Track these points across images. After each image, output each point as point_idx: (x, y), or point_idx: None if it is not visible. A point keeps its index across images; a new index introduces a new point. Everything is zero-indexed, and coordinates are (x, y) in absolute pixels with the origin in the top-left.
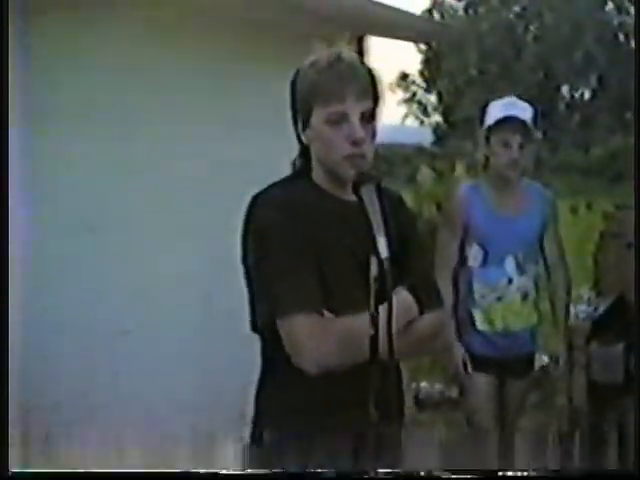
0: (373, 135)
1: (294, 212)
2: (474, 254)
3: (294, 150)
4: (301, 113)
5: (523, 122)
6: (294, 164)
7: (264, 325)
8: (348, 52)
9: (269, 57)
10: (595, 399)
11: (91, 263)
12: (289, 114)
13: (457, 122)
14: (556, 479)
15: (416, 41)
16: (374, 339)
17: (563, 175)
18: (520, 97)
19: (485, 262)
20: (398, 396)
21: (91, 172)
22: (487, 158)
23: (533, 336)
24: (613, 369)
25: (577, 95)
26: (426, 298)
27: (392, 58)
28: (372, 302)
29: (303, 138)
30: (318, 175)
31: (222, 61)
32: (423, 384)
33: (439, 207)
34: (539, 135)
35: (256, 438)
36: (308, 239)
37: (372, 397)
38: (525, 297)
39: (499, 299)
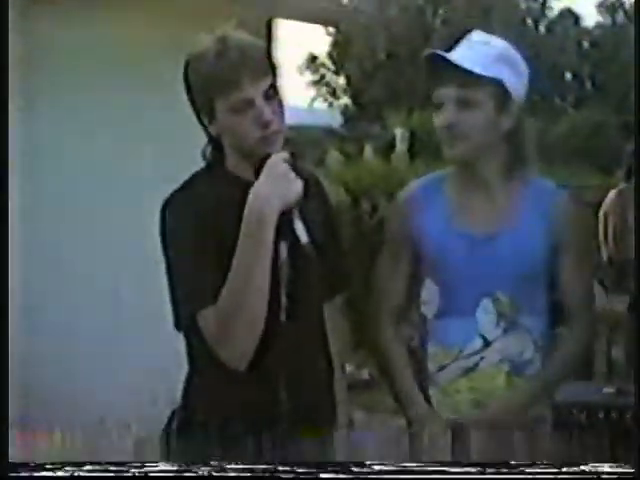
0: (281, 109)
1: (204, 209)
2: (426, 296)
3: None
4: (202, 107)
5: (456, 65)
6: (204, 154)
7: (182, 323)
8: (234, 34)
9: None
10: None
11: None
12: None
13: (366, 105)
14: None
15: (325, 24)
16: (278, 323)
17: (540, 163)
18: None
19: (444, 309)
20: (324, 383)
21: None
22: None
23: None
24: None
25: None
26: (339, 283)
27: (301, 40)
28: (283, 288)
29: (211, 130)
30: (232, 163)
31: None
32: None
33: (347, 190)
34: (516, 92)
35: (180, 431)
36: (220, 233)
37: (286, 392)
38: (515, 370)
39: (468, 372)
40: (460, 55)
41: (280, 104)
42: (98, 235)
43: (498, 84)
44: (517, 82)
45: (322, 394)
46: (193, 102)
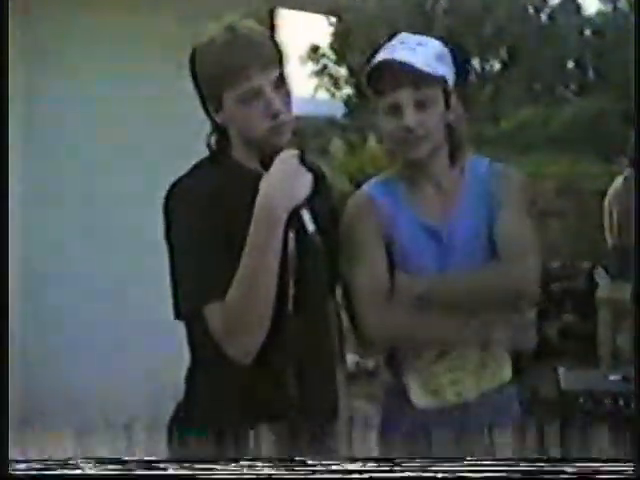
0: (289, 99)
1: (210, 199)
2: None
3: None
4: (210, 96)
5: (412, 67)
6: (209, 143)
7: (186, 315)
8: (241, 24)
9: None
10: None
11: None
12: None
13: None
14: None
15: (327, 14)
16: (285, 314)
17: (472, 146)
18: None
19: None
20: (328, 374)
21: None
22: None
23: (507, 400)
24: (525, 335)
25: (487, 68)
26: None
27: (302, 31)
28: (291, 278)
29: (218, 119)
30: (239, 152)
31: None
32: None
33: (351, 179)
34: (452, 87)
35: (183, 424)
36: (226, 223)
37: (295, 384)
38: (484, 344)
39: (443, 354)
40: (409, 57)
41: (288, 94)
42: (99, 234)
43: (443, 81)
44: (452, 76)
45: (327, 385)
46: (199, 91)
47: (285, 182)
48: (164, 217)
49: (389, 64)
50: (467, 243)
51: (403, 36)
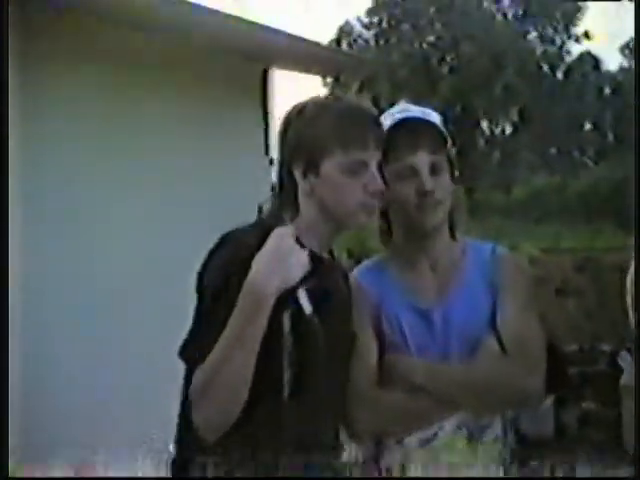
0: (383, 182)
1: (244, 265)
2: None
3: None
4: (308, 159)
5: (433, 125)
6: (261, 208)
7: (185, 361)
8: (356, 98)
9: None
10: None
11: None
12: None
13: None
14: None
15: (324, 74)
16: (280, 399)
17: (482, 217)
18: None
19: None
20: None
21: None
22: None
23: None
24: (542, 423)
25: (497, 131)
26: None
27: (299, 91)
28: (286, 362)
29: (305, 184)
30: (303, 222)
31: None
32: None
33: (350, 254)
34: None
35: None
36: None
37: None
38: (474, 436)
39: (426, 443)
40: (425, 116)
41: (384, 177)
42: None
43: (448, 151)
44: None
45: (326, 468)
46: (288, 153)
47: (277, 262)
48: (201, 267)
49: (407, 122)
50: (464, 327)
51: (404, 105)
